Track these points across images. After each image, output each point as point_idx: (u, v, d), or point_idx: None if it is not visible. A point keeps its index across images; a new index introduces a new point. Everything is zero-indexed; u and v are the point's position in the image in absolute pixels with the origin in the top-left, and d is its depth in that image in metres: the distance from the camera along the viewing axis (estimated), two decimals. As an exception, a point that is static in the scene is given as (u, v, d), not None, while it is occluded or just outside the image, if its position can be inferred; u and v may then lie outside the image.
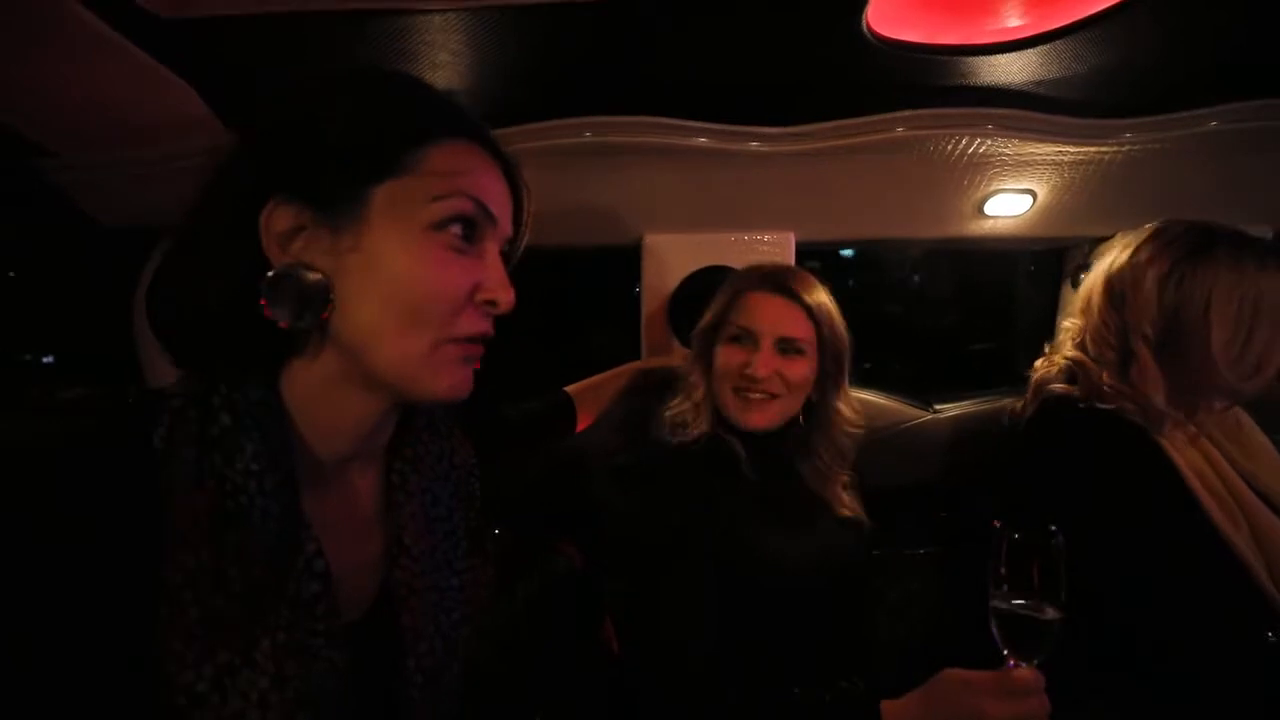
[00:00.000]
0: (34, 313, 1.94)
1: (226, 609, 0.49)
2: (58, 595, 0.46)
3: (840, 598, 1.02)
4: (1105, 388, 1.04)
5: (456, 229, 0.56)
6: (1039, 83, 1.10)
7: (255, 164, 0.55)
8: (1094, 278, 1.14)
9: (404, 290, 0.54)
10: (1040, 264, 1.69)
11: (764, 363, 1.02)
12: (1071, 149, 1.22)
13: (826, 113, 1.21)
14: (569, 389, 1.27)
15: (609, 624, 1.14)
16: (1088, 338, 1.11)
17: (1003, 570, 0.75)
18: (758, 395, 1.04)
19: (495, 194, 0.60)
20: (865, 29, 0.92)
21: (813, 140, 1.24)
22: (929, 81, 1.12)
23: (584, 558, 1.29)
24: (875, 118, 1.20)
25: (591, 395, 1.29)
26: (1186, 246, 1.04)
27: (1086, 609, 0.74)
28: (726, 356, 1.06)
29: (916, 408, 1.44)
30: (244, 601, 0.50)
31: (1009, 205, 1.35)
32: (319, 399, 0.57)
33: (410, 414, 0.68)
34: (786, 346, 1.04)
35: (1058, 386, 1.10)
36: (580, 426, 1.25)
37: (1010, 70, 1.07)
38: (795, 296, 1.05)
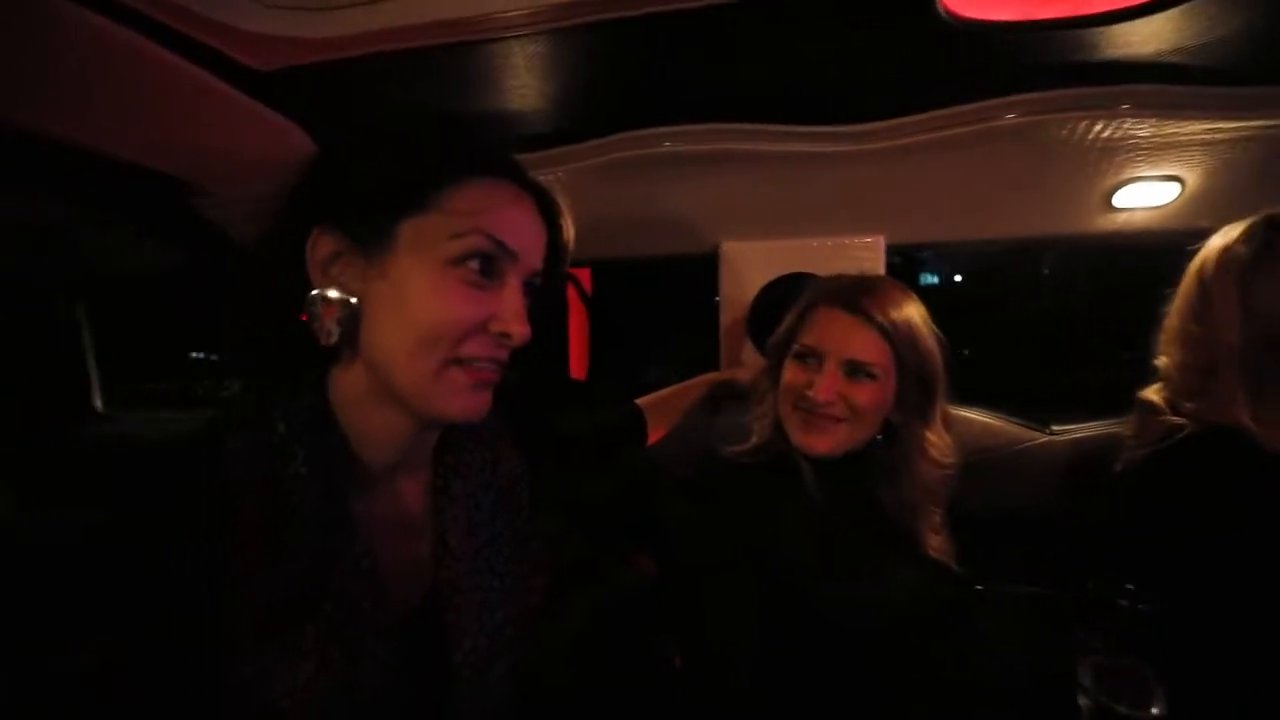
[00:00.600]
0: (203, 320, 2.31)
1: (278, 600, 0.55)
2: (138, 581, 0.54)
3: (910, 643, 0.93)
4: (1186, 409, 0.89)
5: (474, 264, 0.59)
6: (1176, 50, 0.93)
7: (304, 198, 0.61)
8: (1186, 281, 0.97)
9: (419, 317, 0.58)
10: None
11: (826, 386, 0.93)
12: (1227, 125, 1.02)
13: (914, 106, 1.11)
14: (640, 401, 1.26)
15: (672, 639, 1.13)
16: (1171, 355, 0.94)
17: (1095, 644, 0.64)
18: (820, 418, 0.95)
19: (518, 229, 0.62)
20: (942, 12, 0.83)
21: (902, 135, 1.14)
22: (1038, 61, 0.99)
23: (656, 570, 1.29)
24: (978, 105, 1.08)
25: (664, 408, 1.27)
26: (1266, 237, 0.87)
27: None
28: (791, 374, 0.99)
29: (1030, 428, 1.28)
30: (293, 594, 0.55)
31: (1147, 195, 1.16)
32: (357, 410, 0.63)
33: (453, 425, 0.71)
34: (854, 369, 0.94)
35: (1167, 418, 0.94)
36: (653, 439, 1.24)
37: (1137, 40, 0.91)
38: (867, 315, 0.94)
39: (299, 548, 0.56)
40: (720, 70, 1.07)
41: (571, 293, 1.95)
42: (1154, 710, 0.60)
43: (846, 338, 0.94)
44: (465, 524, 0.69)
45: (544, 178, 1.31)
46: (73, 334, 2.10)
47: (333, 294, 0.58)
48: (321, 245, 0.59)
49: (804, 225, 1.33)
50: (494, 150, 0.64)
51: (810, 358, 0.97)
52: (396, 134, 0.63)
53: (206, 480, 0.57)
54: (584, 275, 2.44)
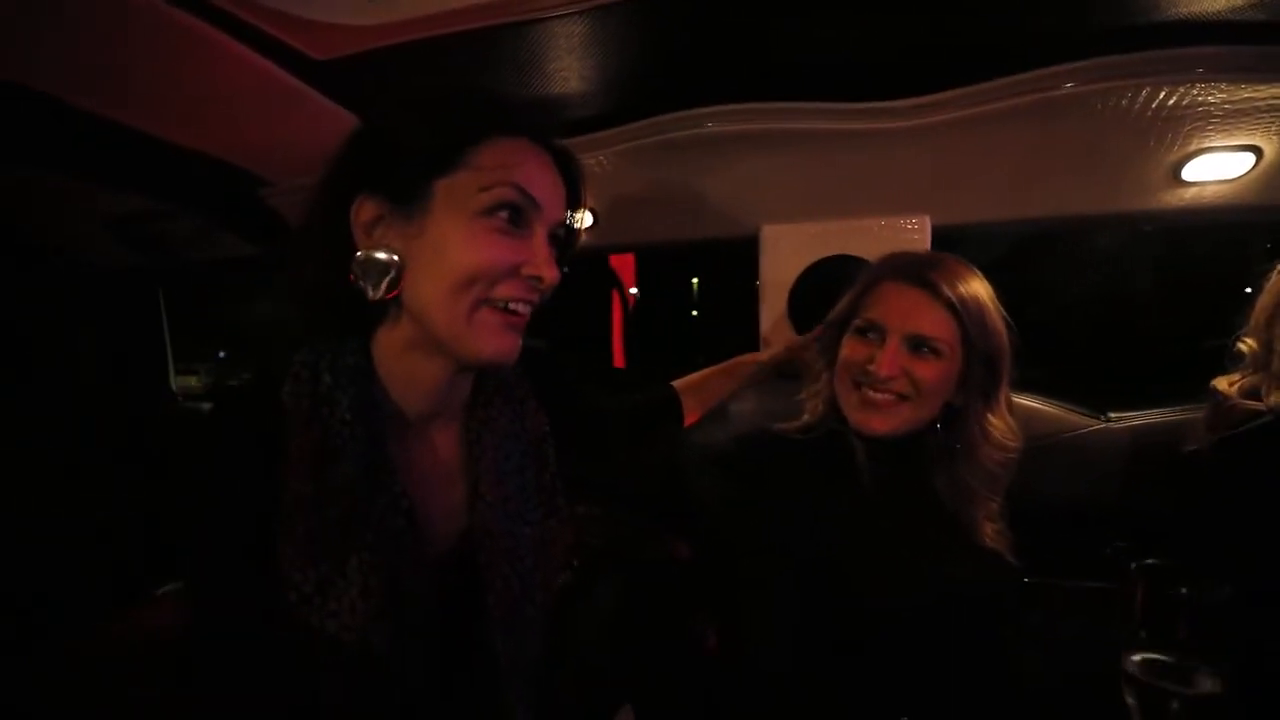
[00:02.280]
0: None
1: (324, 529, 0.61)
2: (212, 506, 0.63)
3: (956, 635, 0.89)
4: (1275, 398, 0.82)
5: (504, 215, 0.64)
6: (1252, 5, 0.87)
7: (348, 167, 0.67)
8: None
9: (456, 264, 0.63)
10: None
11: (889, 360, 0.90)
12: (1312, 88, 0.95)
13: (964, 78, 1.07)
14: (677, 383, 1.27)
15: (706, 618, 1.13)
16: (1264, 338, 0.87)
17: (1145, 622, 0.61)
18: (881, 396, 0.92)
19: (543, 183, 0.67)
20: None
21: (951, 109, 1.10)
22: (1097, 24, 0.95)
23: (690, 551, 1.29)
24: (1032, 75, 1.04)
25: (700, 390, 1.27)
26: None
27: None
28: (851, 349, 0.96)
29: (1086, 415, 1.21)
30: (339, 524, 0.62)
31: (1220, 168, 1.08)
32: (398, 361, 0.69)
33: (483, 381, 0.77)
34: (919, 344, 0.91)
35: (1242, 403, 0.87)
36: (689, 421, 1.25)
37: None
38: (935, 289, 0.90)
39: (342, 485, 0.62)
40: (761, 47, 1.06)
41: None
42: (1205, 686, 0.57)
43: (912, 312, 0.91)
44: (495, 473, 0.74)
45: (588, 162, 1.34)
46: (153, 320, 2.26)
47: (379, 255, 0.63)
48: (364, 210, 0.64)
49: (847, 206, 1.31)
50: (516, 111, 0.68)
51: (872, 332, 0.94)
52: (426, 104, 0.68)
53: (261, 424, 0.63)
54: (628, 263, 2.46)
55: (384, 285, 0.63)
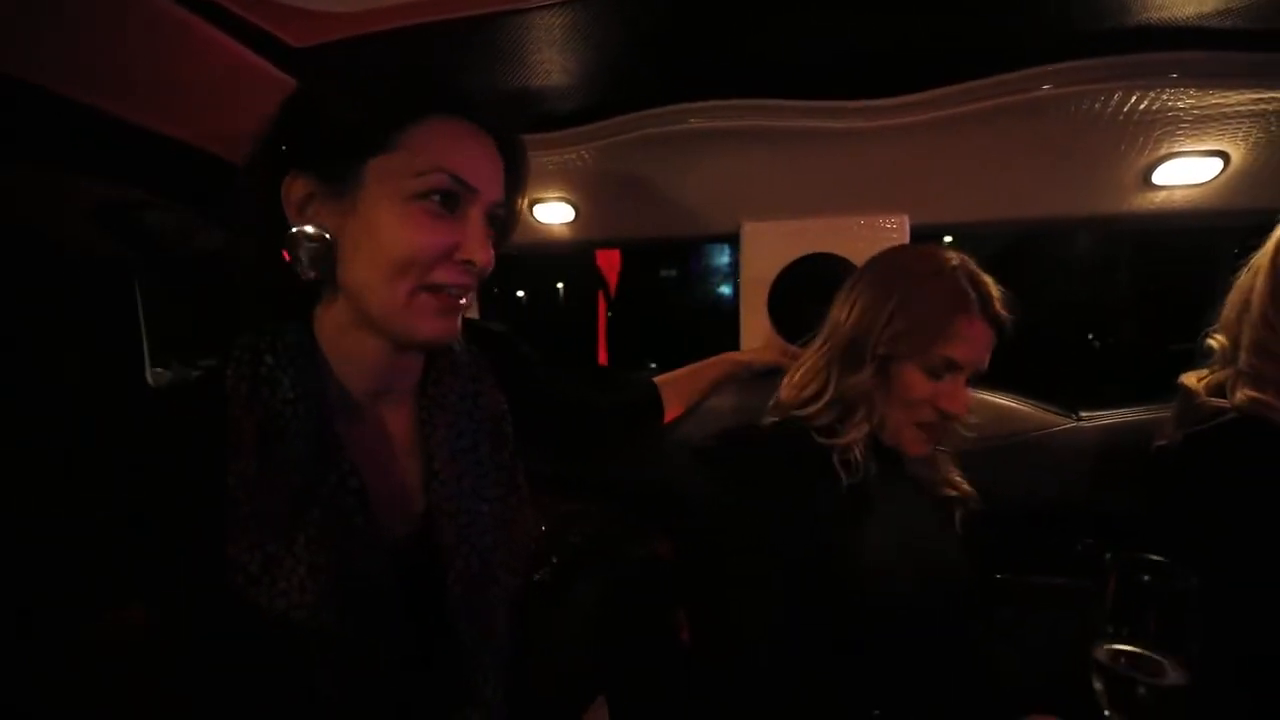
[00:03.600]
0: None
1: (270, 508, 0.61)
2: (150, 490, 0.62)
3: (944, 625, 0.90)
4: (1241, 395, 0.84)
5: (437, 198, 0.63)
6: (1221, 12, 0.89)
7: (277, 143, 0.65)
8: (1257, 262, 0.91)
9: (389, 248, 0.62)
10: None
11: (965, 397, 0.89)
12: (1277, 95, 0.97)
13: (943, 78, 1.08)
14: (658, 379, 1.27)
15: (681, 613, 1.13)
16: (1245, 341, 0.89)
17: (1115, 613, 0.61)
18: (940, 425, 0.92)
19: (479, 167, 0.66)
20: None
21: (929, 110, 1.12)
22: (1071, 28, 0.96)
23: (669, 546, 1.29)
24: (1008, 77, 1.05)
25: (681, 385, 1.28)
26: None
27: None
28: (919, 387, 0.90)
29: (1056, 414, 1.23)
30: (285, 503, 0.61)
31: (1188, 172, 1.10)
32: (339, 340, 0.69)
33: (434, 359, 0.77)
34: (976, 375, 0.92)
35: (1209, 400, 0.90)
36: (669, 417, 1.25)
37: (1178, 1, 0.88)
38: (1001, 324, 0.91)
39: (288, 465, 0.62)
40: (744, 44, 1.07)
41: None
42: (1172, 677, 0.58)
43: (986, 348, 0.92)
44: (448, 451, 0.74)
45: (568, 157, 1.33)
46: (129, 313, 2.22)
47: (310, 231, 0.63)
48: (295, 188, 0.63)
49: (826, 205, 1.32)
50: (452, 91, 0.67)
51: (949, 370, 0.90)
52: (359, 81, 0.67)
53: (203, 409, 0.63)
54: (613, 258, 2.46)
55: (316, 262, 0.63)
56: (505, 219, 0.72)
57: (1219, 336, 0.96)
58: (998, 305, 0.91)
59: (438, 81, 0.66)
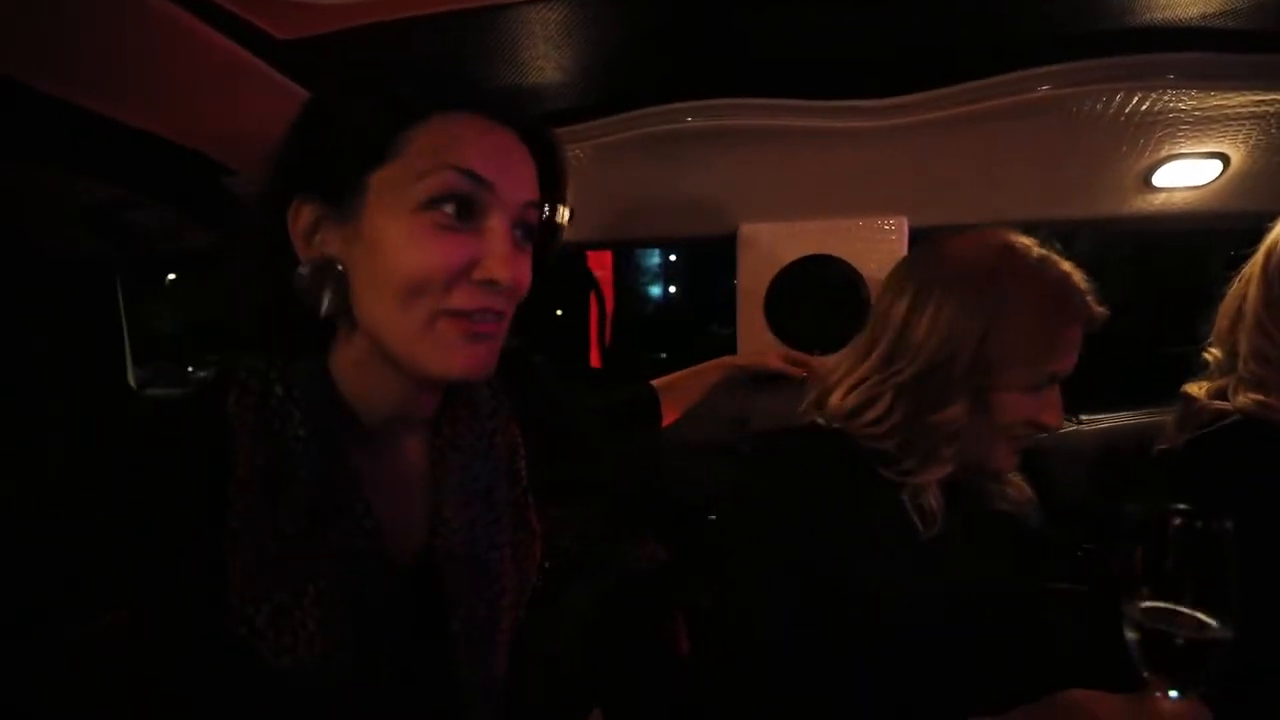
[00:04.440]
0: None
1: (279, 554, 0.55)
2: (143, 531, 0.55)
3: (991, 644, 0.81)
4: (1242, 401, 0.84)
5: (449, 207, 0.55)
6: (1223, 13, 0.88)
7: (279, 170, 0.58)
8: (1248, 271, 0.91)
9: (394, 271, 0.54)
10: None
11: (1061, 406, 0.80)
12: (1278, 97, 0.96)
13: (941, 79, 1.07)
14: (656, 383, 1.25)
15: (680, 622, 1.11)
16: (1243, 350, 0.89)
17: (1150, 567, 0.57)
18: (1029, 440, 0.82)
19: (495, 161, 0.56)
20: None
21: (928, 110, 1.11)
22: (1071, 29, 0.95)
23: (667, 553, 1.27)
24: (1008, 78, 1.04)
25: (679, 390, 1.26)
26: None
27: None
28: (1021, 407, 0.78)
29: (1057, 417, 1.22)
30: (294, 548, 0.55)
31: (1188, 174, 1.10)
32: (357, 374, 0.61)
33: (452, 395, 0.69)
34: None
35: (1211, 404, 0.90)
36: (667, 421, 1.23)
37: (1180, 1, 0.87)
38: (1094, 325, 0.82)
39: (297, 507, 0.56)
40: (743, 43, 1.05)
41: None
42: (1212, 631, 0.55)
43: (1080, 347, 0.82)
44: (461, 496, 0.67)
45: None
46: (111, 312, 2.17)
47: (320, 264, 0.56)
48: (301, 215, 0.57)
49: (824, 206, 1.30)
50: (459, 84, 0.59)
51: (1051, 383, 0.80)
52: (354, 89, 0.59)
53: (203, 439, 0.56)
54: (605, 259, 2.43)
55: (330, 298, 0.56)
56: (544, 227, 0.63)
57: (1214, 350, 0.96)
58: (1094, 303, 0.80)
59: (442, 72, 0.59)
